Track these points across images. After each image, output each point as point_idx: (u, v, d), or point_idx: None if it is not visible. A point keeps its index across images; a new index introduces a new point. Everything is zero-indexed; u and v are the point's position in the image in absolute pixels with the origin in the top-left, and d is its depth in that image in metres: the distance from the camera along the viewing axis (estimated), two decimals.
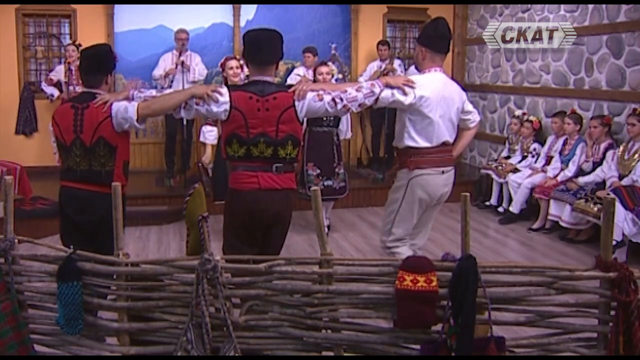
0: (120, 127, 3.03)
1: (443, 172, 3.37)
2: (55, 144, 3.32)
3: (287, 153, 2.94)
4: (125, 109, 2.99)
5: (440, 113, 3.27)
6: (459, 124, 3.52)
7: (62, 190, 3.18)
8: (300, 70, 7.28)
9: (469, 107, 3.57)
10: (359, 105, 3.07)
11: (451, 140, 3.41)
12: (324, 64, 5.34)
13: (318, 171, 5.32)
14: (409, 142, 3.34)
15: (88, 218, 3.07)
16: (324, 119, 5.19)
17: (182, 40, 6.82)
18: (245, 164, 2.93)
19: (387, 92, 3.13)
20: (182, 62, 6.63)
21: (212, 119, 4.59)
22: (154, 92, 3.20)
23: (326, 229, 5.55)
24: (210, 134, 4.94)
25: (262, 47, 2.94)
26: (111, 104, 3.02)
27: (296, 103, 2.92)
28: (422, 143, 3.31)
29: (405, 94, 3.17)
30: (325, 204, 5.53)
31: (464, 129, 3.61)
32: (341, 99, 3.00)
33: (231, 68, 4.93)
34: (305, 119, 3.12)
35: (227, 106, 2.88)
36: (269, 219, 2.99)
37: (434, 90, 3.25)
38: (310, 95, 2.95)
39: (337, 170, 5.36)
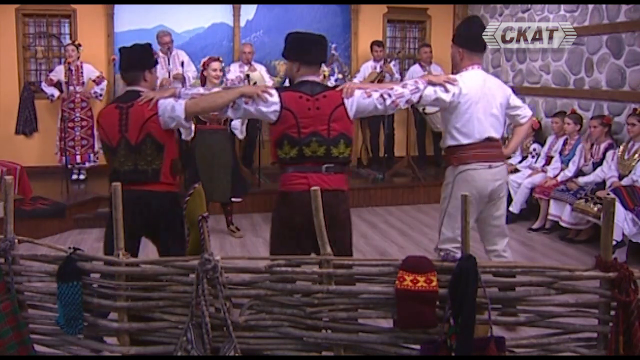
0: (167, 125, 2.97)
1: (490, 166, 3.34)
2: (101, 149, 3.23)
3: (340, 152, 2.90)
4: (172, 108, 2.93)
5: (481, 109, 3.29)
6: (508, 120, 3.53)
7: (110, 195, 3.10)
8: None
9: (517, 102, 3.56)
10: (406, 101, 3.05)
11: (497, 135, 3.40)
12: (216, 59, 5.22)
13: None
14: (451, 142, 3.39)
15: (142, 221, 2.96)
16: None
17: (167, 44, 6.83)
18: (296, 166, 2.88)
19: (430, 90, 3.14)
20: (169, 74, 6.65)
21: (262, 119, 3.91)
22: (201, 90, 3.17)
23: None
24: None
25: (312, 48, 2.94)
26: (157, 101, 2.96)
27: (345, 101, 2.89)
28: (464, 140, 3.33)
29: (446, 91, 3.19)
30: None
31: (516, 125, 3.62)
32: (389, 95, 2.98)
33: (214, 70, 4.98)
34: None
35: (278, 107, 2.84)
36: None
37: (474, 87, 3.28)
38: (358, 92, 2.93)
39: None
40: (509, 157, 6.07)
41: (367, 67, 7.56)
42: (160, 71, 6.62)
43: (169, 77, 6.76)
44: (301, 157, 2.85)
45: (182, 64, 6.88)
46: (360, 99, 2.92)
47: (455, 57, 3.46)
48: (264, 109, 2.86)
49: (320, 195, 2.61)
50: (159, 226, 3.01)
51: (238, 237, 5.47)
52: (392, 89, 3.01)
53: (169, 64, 6.80)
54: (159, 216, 2.98)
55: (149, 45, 3.23)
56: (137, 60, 3.12)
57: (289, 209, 2.88)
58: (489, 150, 3.35)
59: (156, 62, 3.26)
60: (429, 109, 4.50)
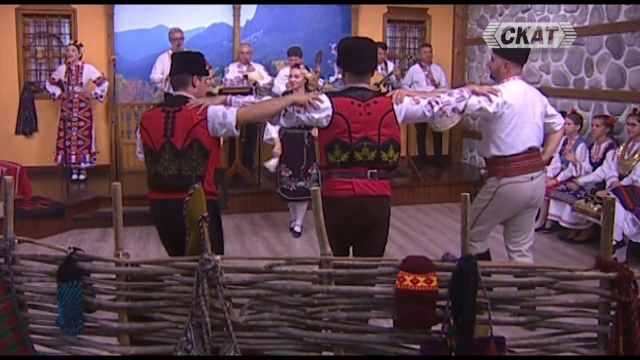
0: (216, 132, 2.95)
1: (532, 177, 3.43)
2: (140, 154, 3.24)
3: (390, 157, 2.94)
4: (223, 115, 2.91)
5: (524, 119, 3.37)
6: (545, 127, 3.59)
7: (152, 204, 3.11)
8: (286, 72, 7.17)
9: (552, 110, 3.62)
10: (453, 109, 3.09)
11: (538, 144, 3.47)
12: (297, 66, 5.48)
13: (290, 172, 5.39)
14: (495, 152, 3.44)
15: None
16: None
17: (177, 40, 6.81)
18: (341, 171, 2.92)
19: (474, 99, 3.19)
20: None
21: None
22: (252, 98, 3.19)
23: (296, 233, 5.63)
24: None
25: (364, 56, 3.00)
26: (206, 107, 2.95)
27: (395, 107, 2.95)
28: (508, 151, 3.39)
29: (490, 101, 3.23)
30: (299, 207, 5.61)
31: (550, 132, 3.66)
32: (437, 102, 3.03)
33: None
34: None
35: (330, 112, 2.90)
36: (363, 226, 2.96)
37: (517, 97, 3.35)
38: (407, 99, 2.98)
39: (309, 171, 5.39)
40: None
41: None
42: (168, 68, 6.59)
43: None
44: (352, 161, 2.90)
45: None
46: (410, 105, 2.98)
47: (499, 68, 3.51)
48: (316, 115, 2.92)
49: (365, 201, 2.89)
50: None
51: None
52: (439, 96, 3.07)
53: None
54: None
55: (202, 54, 3.24)
56: (188, 64, 3.12)
57: (333, 214, 2.87)
58: (531, 160, 3.43)
59: (207, 73, 3.25)
60: (439, 124, 4.55)
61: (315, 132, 5.26)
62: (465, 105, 3.15)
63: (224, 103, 3.04)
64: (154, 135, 2.99)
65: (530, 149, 3.42)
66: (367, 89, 3.01)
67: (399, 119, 2.97)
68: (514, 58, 3.49)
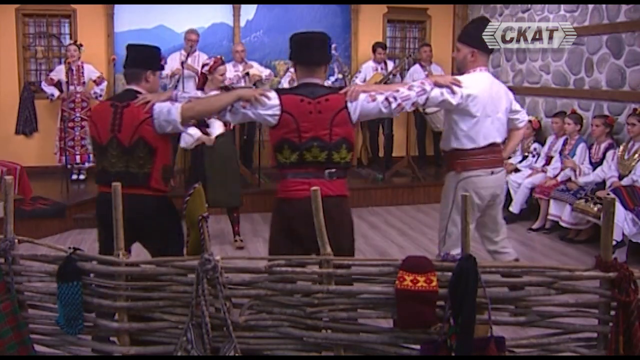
0: (162, 130, 2.91)
1: (492, 172, 3.30)
2: (90, 145, 3.22)
3: (342, 157, 2.82)
4: (168, 111, 2.88)
5: (487, 112, 3.23)
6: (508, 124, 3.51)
7: (99, 196, 3.07)
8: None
9: (517, 106, 3.54)
10: (412, 104, 2.96)
11: (500, 140, 3.37)
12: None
13: None
14: (455, 144, 3.30)
15: (131, 226, 2.84)
16: None
17: (191, 42, 6.82)
18: (296, 171, 2.79)
19: (436, 91, 3.04)
20: (182, 63, 6.62)
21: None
22: (199, 94, 3.11)
23: None
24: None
25: (312, 48, 2.86)
26: (153, 104, 2.91)
27: (349, 104, 2.80)
28: (469, 144, 3.25)
29: (453, 92, 3.08)
30: None
31: (512, 129, 3.58)
32: (395, 98, 2.88)
33: (222, 74, 4.84)
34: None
35: (278, 110, 2.76)
36: (325, 228, 2.70)
37: (482, 89, 3.20)
38: (362, 96, 2.83)
39: None
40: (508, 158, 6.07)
41: (368, 68, 7.54)
42: (177, 65, 6.62)
43: (182, 67, 6.68)
44: (302, 162, 2.78)
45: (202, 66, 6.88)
46: (365, 102, 2.83)
47: (466, 58, 3.32)
48: (262, 111, 2.78)
49: (323, 202, 2.52)
50: (151, 232, 2.95)
51: (238, 247, 5.32)
52: (397, 91, 2.92)
53: (187, 61, 6.78)
54: (149, 222, 2.90)
55: (158, 49, 3.18)
56: (143, 58, 3.07)
57: (290, 217, 2.79)
58: (492, 155, 3.30)
59: (162, 68, 3.21)
60: (429, 109, 4.49)
61: None
62: (427, 99, 3.01)
63: (170, 99, 2.98)
64: (101, 130, 2.97)
65: (492, 145, 3.29)
66: (319, 85, 2.86)
67: (353, 118, 2.83)
68: (481, 46, 3.30)
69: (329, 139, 2.77)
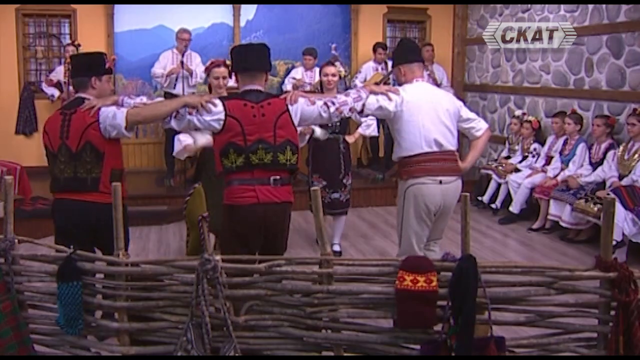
0: (108, 134, 2.96)
1: (441, 181, 3.25)
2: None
3: (287, 159, 2.88)
4: (113, 115, 2.92)
5: (427, 117, 3.25)
6: (464, 134, 3.54)
7: (54, 205, 3.16)
8: (297, 73, 7.25)
9: (469, 114, 3.50)
10: (350, 109, 3.11)
11: (450, 147, 3.33)
12: (331, 63, 4.82)
13: (324, 183, 4.79)
14: (401, 152, 3.33)
15: (82, 229, 2.98)
16: (329, 125, 4.53)
17: (185, 41, 6.79)
18: (242, 178, 2.84)
19: (372, 99, 3.18)
20: (182, 63, 6.62)
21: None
22: (144, 99, 3.17)
23: (337, 252, 4.91)
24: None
25: (250, 57, 2.96)
26: (99, 109, 2.96)
27: (290, 107, 2.92)
28: (412, 150, 3.26)
29: (389, 99, 3.21)
30: (336, 221, 5.00)
31: (472, 139, 3.56)
32: (333, 103, 3.03)
33: (217, 77, 4.03)
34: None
35: (222, 115, 2.82)
36: (268, 232, 2.92)
37: (417, 95, 3.28)
38: (302, 100, 2.97)
39: (344, 181, 4.84)
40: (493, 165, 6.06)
41: (369, 68, 7.54)
42: (171, 66, 6.64)
43: (182, 66, 6.68)
44: (248, 165, 2.82)
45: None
46: (304, 106, 2.96)
47: (398, 77, 3.46)
48: (207, 118, 2.83)
49: (268, 208, 2.82)
50: (104, 237, 2.79)
51: None
52: (335, 97, 3.09)
53: (182, 57, 6.76)
54: (102, 227, 2.80)
55: (102, 54, 3.29)
56: (85, 66, 3.13)
57: (237, 222, 2.86)
58: (441, 163, 3.27)
59: (108, 72, 3.24)
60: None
61: (350, 138, 4.95)
62: (364, 105, 3.15)
63: (116, 103, 3.03)
64: (52, 138, 3.04)
65: (439, 152, 3.26)
66: (261, 90, 2.96)
67: (295, 120, 2.93)
68: (405, 61, 3.40)
69: (274, 141, 2.84)
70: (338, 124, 4.64)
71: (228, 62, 4.17)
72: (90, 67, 3.12)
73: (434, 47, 7.67)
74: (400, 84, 3.47)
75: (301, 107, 2.95)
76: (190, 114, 2.84)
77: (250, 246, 2.90)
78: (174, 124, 2.91)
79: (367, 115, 3.48)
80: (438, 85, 7.38)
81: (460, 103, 3.51)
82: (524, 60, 7.03)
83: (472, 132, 3.50)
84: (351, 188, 4.99)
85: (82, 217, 2.94)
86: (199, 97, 2.88)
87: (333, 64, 4.80)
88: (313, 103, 2.99)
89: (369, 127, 4.94)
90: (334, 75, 4.63)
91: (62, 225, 3.07)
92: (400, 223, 3.41)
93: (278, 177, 2.87)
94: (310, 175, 4.89)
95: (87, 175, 2.98)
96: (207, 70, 4.25)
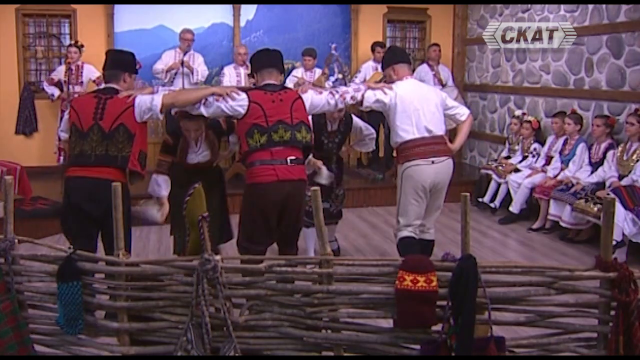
0: (142, 117, 3.30)
1: (433, 162, 3.77)
2: (63, 133, 3.61)
3: (303, 137, 3.38)
4: (151, 99, 3.28)
5: (417, 107, 3.79)
6: (451, 120, 4.07)
7: (70, 180, 3.34)
8: (298, 72, 7.27)
9: (452, 103, 4.05)
10: (351, 97, 3.67)
11: (439, 132, 3.83)
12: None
13: None
14: (397, 139, 3.86)
15: (97, 205, 3.18)
16: (325, 142, 4.39)
17: (187, 41, 6.84)
18: (262, 159, 3.27)
19: (369, 92, 3.76)
20: (183, 62, 6.63)
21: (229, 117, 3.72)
22: (177, 89, 3.67)
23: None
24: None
25: (268, 58, 3.55)
26: (135, 97, 3.32)
27: (302, 95, 3.48)
28: (407, 136, 3.78)
29: (385, 94, 3.78)
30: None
31: (457, 123, 4.10)
32: (337, 91, 3.65)
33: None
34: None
35: (246, 101, 3.31)
36: (287, 206, 3.37)
37: (408, 89, 3.85)
38: (311, 91, 3.57)
39: (336, 191, 4.60)
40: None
41: (368, 68, 7.54)
42: (173, 61, 6.78)
43: (182, 64, 6.72)
44: (271, 142, 3.28)
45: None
46: (314, 95, 3.55)
47: (390, 76, 3.96)
48: (233, 103, 3.32)
49: (286, 184, 3.29)
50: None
51: None
52: (337, 89, 3.71)
53: (184, 55, 6.80)
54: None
55: (134, 55, 3.66)
56: (122, 62, 3.51)
57: (261, 197, 3.31)
58: (432, 146, 3.79)
59: (136, 72, 3.64)
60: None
61: (344, 151, 4.73)
62: (363, 96, 3.72)
63: (152, 93, 3.41)
64: (83, 118, 3.30)
65: (430, 137, 3.78)
66: (276, 84, 3.49)
67: (307, 106, 3.48)
68: (395, 61, 3.96)
69: (291, 121, 3.36)
70: (336, 140, 4.44)
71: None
72: (126, 64, 3.51)
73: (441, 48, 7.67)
74: (392, 83, 3.95)
75: (311, 96, 3.52)
76: (217, 100, 3.31)
77: (271, 222, 3.37)
78: (202, 109, 3.36)
79: (366, 107, 3.91)
80: (443, 85, 7.39)
81: (445, 94, 4.07)
82: (524, 60, 7.03)
83: (457, 118, 4.04)
84: (344, 197, 4.76)
85: (103, 194, 2.86)
86: (225, 88, 3.43)
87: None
88: (320, 93, 3.60)
89: (366, 144, 4.64)
90: (339, 110, 4.19)
91: (77, 202, 3.29)
92: (399, 201, 3.92)
93: (294, 157, 3.34)
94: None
95: (117, 153, 3.27)
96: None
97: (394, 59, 3.97)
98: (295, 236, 3.58)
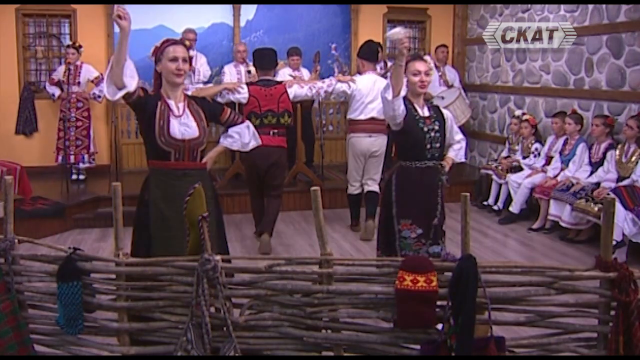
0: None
1: (370, 136, 5.21)
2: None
3: (285, 120, 4.85)
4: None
5: (369, 98, 5.13)
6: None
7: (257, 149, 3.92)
8: (285, 72, 6.94)
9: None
10: (325, 91, 5.12)
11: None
12: (419, 57, 3.50)
13: (419, 231, 3.28)
14: (350, 116, 5.32)
15: (267, 162, 4.76)
16: (428, 147, 3.33)
17: (190, 41, 6.82)
18: (258, 131, 3.79)
19: (339, 85, 5.16)
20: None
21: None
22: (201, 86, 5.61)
23: None
24: None
25: (267, 59, 4.98)
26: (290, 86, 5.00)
27: (288, 89, 4.88)
28: (356, 117, 5.22)
29: (349, 86, 5.17)
30: None
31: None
32: (314, 86, 5.07)
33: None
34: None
35: (247, 94, 4.78)
36: (268, 165, 4.81)
37: (365, 84, 5.18)
38: (295, 86, 4.97)
39: (442, 227, 3.42)
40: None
41: None
42: None
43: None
44: (262, 124, 4.67)
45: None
46: (297, 88, 4.95)
47: (359, 67, 5.39)
48: (238, 95, 4.77)
49: (270, 149, 4.70)
50: (276, 167, 4.91)
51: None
52: (315, 83, 5.09)
53: None
54: (277, 161, 4.89)
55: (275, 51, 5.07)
56: (273, 58, 4.98)
57: (250, 158, 4.68)
58: (371, 125, 5.17)
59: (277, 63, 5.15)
60: (447, 101, 6.65)
61: (446, 165, 3.49)
62: (333, 89, 5.14)
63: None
64: (262, 102, 4.77)
65: (372, 119, 5.15)
66: (271, 80, 4.94)
67: (291, 97, 4.87)
68: (365, 58, 5.29)
69: (277, 109, 4.81)
70: (437, 146, 3.38)
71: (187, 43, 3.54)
72: (275, 60, 5.02)
73: (432, 48, 7.66)
74: (358, 71, 5.44)
75: (295, 89, 4.93)
76: (227, 93, 4.74)
77: (260, 173, 4.87)
78: (219, 99, 4.56)
79: (333, 97, 5.66)
80: (449, 86, 7.39)
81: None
82: (524, 60, 7.03)
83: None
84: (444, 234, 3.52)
85: (273, 155, 4.80)
86: (233, 83, 5.12)
87: (422, 58, 3.48)
88: (302, 87, 4.99)
89: (458, 153, 3.72)
90: (427, 73, 3.37)
91: (256, 162, 4.78)
92: (347, 164, 5.51)
93: (276, 130, 4.82)
94: (397, 220, 3.33)
95: (285, 123, 4.87)
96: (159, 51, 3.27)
97: (364, 55, 5.30)
98: (277, 188, 4.98)
